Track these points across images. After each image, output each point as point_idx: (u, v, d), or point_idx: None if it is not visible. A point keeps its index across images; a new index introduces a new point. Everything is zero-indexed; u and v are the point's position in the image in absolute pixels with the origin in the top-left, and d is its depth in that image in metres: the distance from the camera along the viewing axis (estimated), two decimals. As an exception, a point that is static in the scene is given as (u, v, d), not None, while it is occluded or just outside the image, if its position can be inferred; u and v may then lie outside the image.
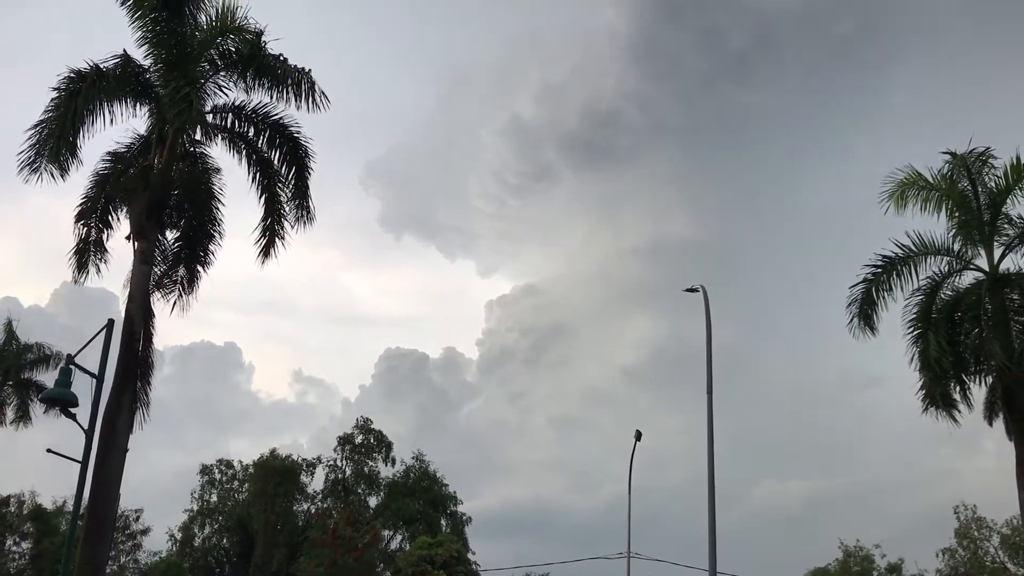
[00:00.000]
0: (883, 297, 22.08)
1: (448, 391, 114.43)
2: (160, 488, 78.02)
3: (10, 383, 40.48)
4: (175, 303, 20.86)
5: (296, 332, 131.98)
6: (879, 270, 22.10)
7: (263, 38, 18.82)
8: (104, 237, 20.39)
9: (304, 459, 61.76)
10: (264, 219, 20.61)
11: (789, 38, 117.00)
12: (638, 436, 36.12)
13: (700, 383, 21.77)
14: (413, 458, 62.03)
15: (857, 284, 22.29)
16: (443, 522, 58.60)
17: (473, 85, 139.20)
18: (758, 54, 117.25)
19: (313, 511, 58.95)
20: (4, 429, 39.99)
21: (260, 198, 20.68)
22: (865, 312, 22.12)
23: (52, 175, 18.52)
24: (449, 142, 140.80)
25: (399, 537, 58.86)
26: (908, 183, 22.42)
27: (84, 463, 14.60)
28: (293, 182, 20.71)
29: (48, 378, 40.03)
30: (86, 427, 14.79)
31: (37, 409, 39.97)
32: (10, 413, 40.27)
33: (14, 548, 54.87)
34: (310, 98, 19.38)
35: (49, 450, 14.78)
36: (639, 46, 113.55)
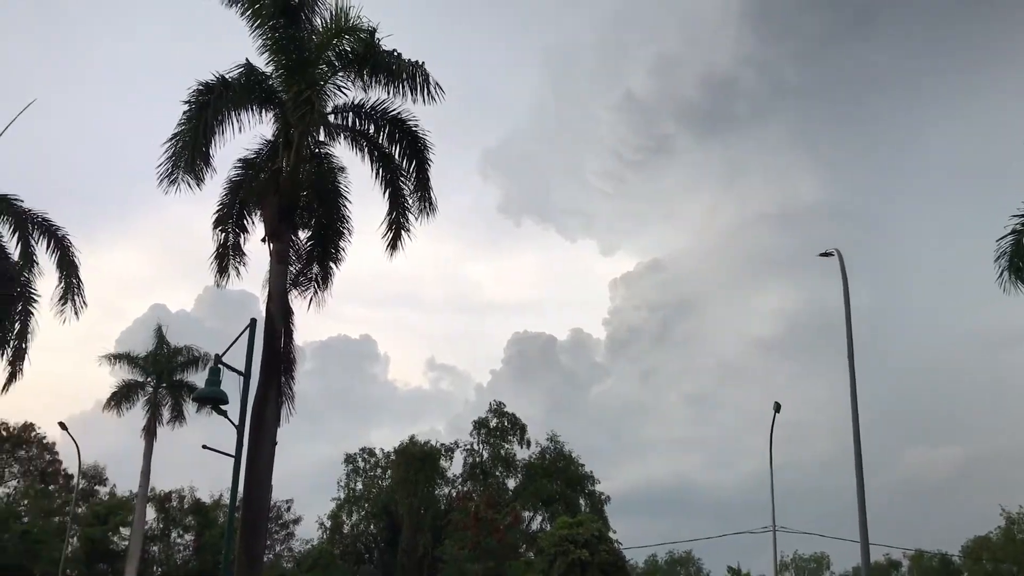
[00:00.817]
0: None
1: (577, 372, 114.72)
2: (308, 479, 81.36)
3: (164, 385, 42.86)
4: (311, 300, 21.52)
5: (426, 322, 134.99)
6: (1030, 219, 20.77)
7: (376, 35, 19.12)
8: (241, 241, 21.20)
9: (442, 444, 63.12)
10: (389, 213, 21.03)
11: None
12: (777, 408, 35.35)
13: (839, 351, 21.07)
14: (548, 439, 62.50)
15: (1006, 236, 21.01)
16: (582, 502, 58.83)
17: (583, 63, 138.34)
18: (879, 7, 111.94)
19: (454, 495, 60.20)
20: (162, 429, 42.42)
21: (384, 193, 21.09)
22: (1016, 265, 20.85)
23: (189, 185, 19.31)
24: (563, 123, 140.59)
25: (539, 518, 59.45)
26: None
27: (237, 457, 15.31)
28: (414, 175, 21.03)
29: (198, 379, 42.33)
30: (236, 423, 15.47)
31: (190, 408, 42.27)
32: (166, 413, 42.68)
33: (178, 540, 58.27)
34: (425, 90, 19.59)
35: (205, 446, 15.59)
36: (753, 8, 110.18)
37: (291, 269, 20.48)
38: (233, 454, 15.41)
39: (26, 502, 60.99)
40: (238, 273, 21.21)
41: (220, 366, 15.11)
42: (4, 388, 23.39)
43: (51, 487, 63.46)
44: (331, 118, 20.41)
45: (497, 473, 62.00)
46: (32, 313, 23.83)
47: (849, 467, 20.64)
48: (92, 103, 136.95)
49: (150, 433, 42.05)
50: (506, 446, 62.55)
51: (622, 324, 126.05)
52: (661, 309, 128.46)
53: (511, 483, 61.93)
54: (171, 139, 19.20)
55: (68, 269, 23.86)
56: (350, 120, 20.89)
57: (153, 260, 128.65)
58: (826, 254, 22.25)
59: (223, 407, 15.56)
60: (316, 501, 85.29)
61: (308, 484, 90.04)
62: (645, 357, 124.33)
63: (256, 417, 17.32)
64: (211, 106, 18.59)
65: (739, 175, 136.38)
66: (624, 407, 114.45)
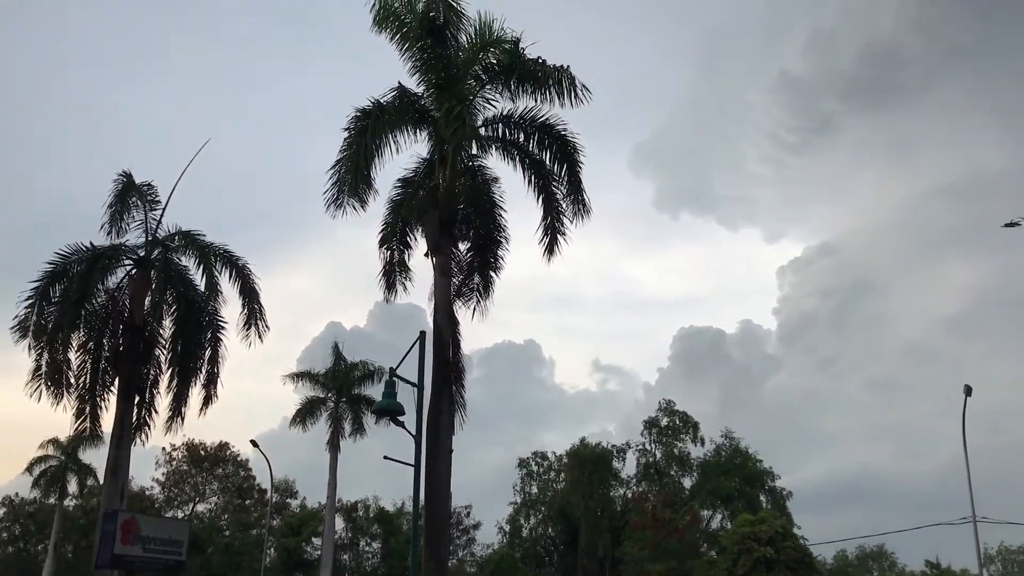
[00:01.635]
0: None
1: (750, 365, 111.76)
2: (484, 485, 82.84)
3: (344, 400, 44.76)
4: (475, 309, 22.01)
5: (588, 323, 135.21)
6: None
7: (520, 45, 19.40)
8: (406, 257, 21.93)
9: (614, 445, 63.01)
10: (544, 218, 21.21)
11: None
12: (968, 391, 33.24)
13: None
14: (722, 436, 61.29)
15: None
16: (762, 498, 57.29)
17: (734, 46, 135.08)
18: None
19: (630, 495, 59.92)
20: (344, 441, 44.32)
21: (538, 199, 21.29)
22: None
23: (354, 207, 20.12)
24: (716, 110, 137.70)
25: (719, 516, 58.33)
26: None
27: (416, 466, 15.82)
28: (566, 179, 21.12)
29: (375, 391, 44.05)
30: (413, 432, 16.01)
31: (370, 420, 43.98)
32: (348, 427, 44.58)
33: (366, 548, 60.66)
34: (572, 94, 19.63)
35: (386, 456, 16.19)
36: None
37: (454, 281, 20.98)
38: (412, 463, 15.93)
39: (226, 516, 65.21)
40: (405, 288, 21.97)
41: (395, 379, 15.68)
42: (201, 411, 25.18)
43: (247, 502, 67.58)
44: (482, 131, 20.78)
45: (672, 472, 61.29)
46: (220, 339, 25.59)
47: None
48: (258, 136, 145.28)
49: (334, 446, 44.03)
50: (679, 445, 61.77)
51: (794, 312, 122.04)
52: (835, 294, 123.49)
53: (687, 482, 61.09)
54: (334, 165, 20.04)
55: (250, 296, 25.38)
56: (500, 131, 21.21)
57: (326, 281, 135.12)
58: (1012, 224, 20.82)
59: (400, 418, 16.13)
60: (493, 506, 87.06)
61: (484, 490, 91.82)
62: (821, 345, 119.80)
63: (431, 426, 17.83)
64: (369, 130, 19.29)
65: (910, 148, 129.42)
66: (802, 398, 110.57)
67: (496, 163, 21.76)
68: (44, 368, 23.30)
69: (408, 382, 16.07)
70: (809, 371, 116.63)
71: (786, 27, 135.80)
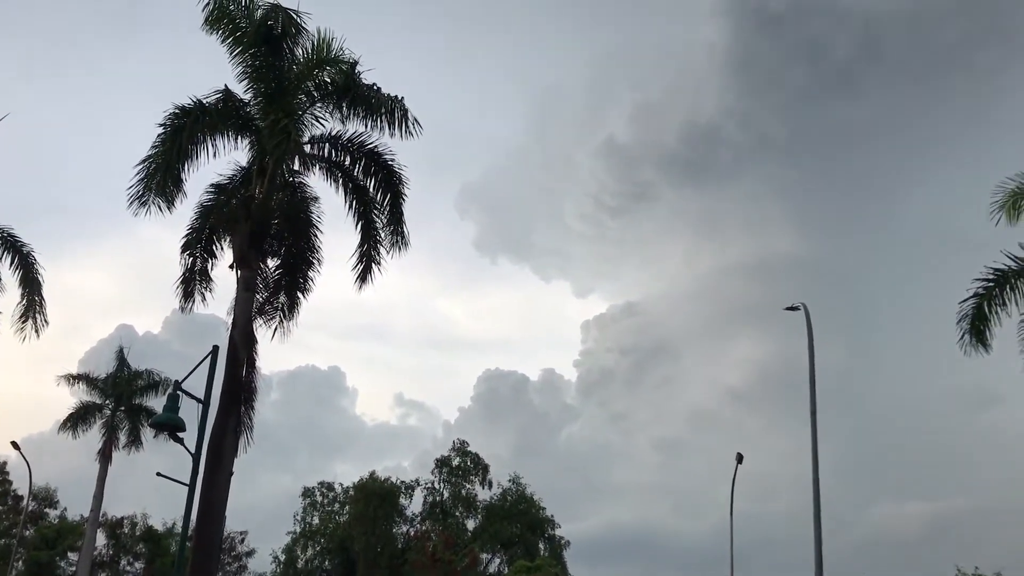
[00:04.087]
0: (996, 312, 21.01)
1: (548, 413, 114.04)
2: (266, 511, 79.83)
3: (122, 409, 42.12)
4: (276, 329, 21.29)
5: (395, 356, 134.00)
6: (991, 283, 21.06)
7: (357, 68, 19.22)
8: (209, 266, 21.03)
9: (403, 481, 62.50)
10: (361, 245, 20.99)
11: (894, 47, 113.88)
12: (739, 459, 35.38)
13: (807, 403, 21.15)
14: (510, 481, 62.11)
15: (967, 299, 21.26)
16: (541, 546, 58.42)
17: (566, 106, 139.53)
18: (862, 64, 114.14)
19: (412, 533, 59.49)
20: (117, 453, 41.63)
21: (356, 225, 21.06)
22: (977, 328, 21.08)
23: (160, 208, 19.23)
24: (544, 164, 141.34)
25: (497, 560, 58.94)
26: (1020, 193, 21.39)
27: (192, 486, 15.03)
28: (388, 208, 21.02)
29: (157, 403, 41.58)
30: (193, 451, 15.21)
31: (147, 434, 41.55)
32: (123, 438, 41.92)
33: (128, 568, 57.05)
34: (403, 125, 19.61)
35: (159, 473, 15.28)
36: (738, 60, 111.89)
37: (258, 297, 20.22)
38: (187, 483, 15.11)
39: (-28, 523, 59.51)
40: (203, 299, 21.07)
41: (179, 393, 14.86)
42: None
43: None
44: (307, 148, 20.30)
45: (457, 513, 61.43)
46: (-7, 331, 23.50)
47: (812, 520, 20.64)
48: (69, 120, 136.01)
49: (105, 457, 41.26)
50: (467, 486, 62.08)
51: (594, 366, 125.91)
52: (633, 352, 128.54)
53: (471, 524, 61.37)
54: (144, 161, 19.11)
55: (31, 287, 23.57)
56: (326, 151, 20.84)
57: (122, 281, 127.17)
58: (792, 308, 22.43)
59: (180, 435, 15.28)
60: (272, 534, 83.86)
61: (266, 517, 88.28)
62: (616, 400, 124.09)
63: (213, 446, 17.03)
64: (187, 129, 18.52)
65: (718, 223, 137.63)
66: (593, 450, 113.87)
67: (318, 183, 21.36)
68: None
69: (193, 397, 15.27)
70: (603, 424, 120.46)
71: (616, 92, 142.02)
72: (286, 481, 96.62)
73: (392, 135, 19.91)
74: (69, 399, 43.75)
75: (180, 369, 47.33)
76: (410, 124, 19.65)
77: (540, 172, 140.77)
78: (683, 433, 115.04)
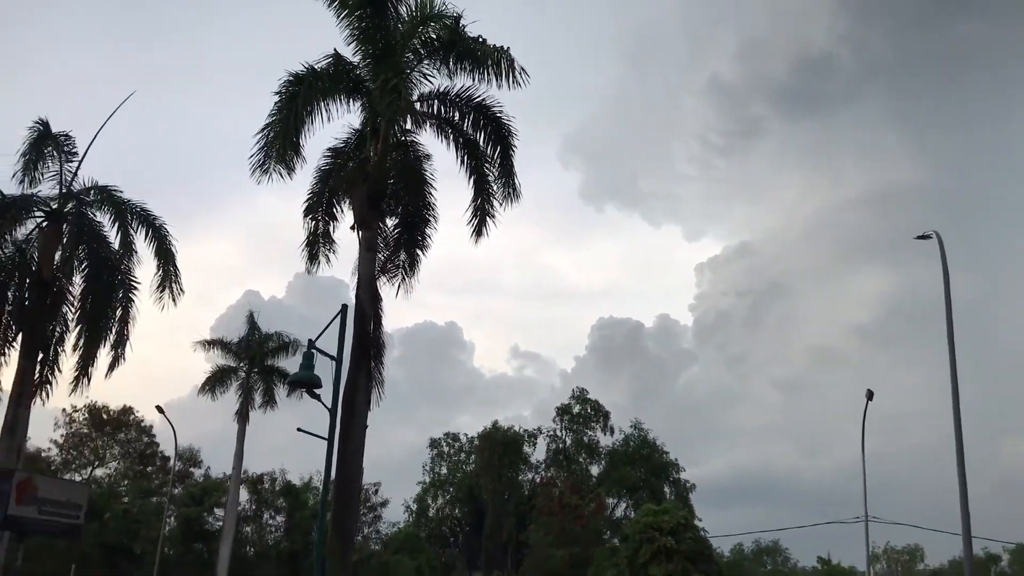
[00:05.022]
0: None
1: (664, 358, 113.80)
2: (395, 463, 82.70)
3: (256, 370, 43.96)
4: (399, 286, 21.85)
5: (508, 309, 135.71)
6: None
7: (461, 22, 19.20)
8: (331, 229, 21.60)
9: (526, 430, 63.42)
10: (474, 199, 21.10)
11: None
12: (869, 396, 34.53)
13: (938, 338, 20.36)
14: (631, 427, 62.28)
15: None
16: (666, 489, 58.49)
17: (665, 46, 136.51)
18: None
19: (538, 480, 60.46)
20: (254, 413, 43.55)
21: (469, 180, 21.17)
22: None
23: (280, 174, 19.68)
24: (646, 107, 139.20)
25: (623, 505, 59.37)
26: None
27: (330, 440, 15.62)
28: (499, 161, 21.04)
29: (288, 364, 43.43)
30: (329, 406, 15.80)
31: (281, 393, 43.38)
32: (258, 398, 43.81)
33: (270, 521, 59.86)
34: (510, 76, 19.48)
35: (300, 429, 15.92)
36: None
37: (379, 256, 20.74)
38: (326, 437, 15.73)
39: (126, 483, 63.52)
40: (328, 260, 21.64)
41: (313, 351, 15.42)
42: (107, 373, 24.39)
43: (149, 469, 65.93)
44: (417, 106, 20.52)
45: (580, 460, 62.07)
46: (132, 300, 24.80)
47: (946, 458, 19.98)
48: (188, 96, 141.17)
49: (243, 417, 43.20)
50: (589, 433, 62.59)
51: (709, 309, 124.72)
52: (749, 294, 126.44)
53: (594, 470, 61.96)
54: (263, 130, 19.52)
55: (166, 257, 24.65)
56: (435, 108, 20.99)
57: (246, 249, 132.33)
58: (923, 236, 21.47)
59: (316, 391, 15.88)
60: (402, 485, 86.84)
61: (396, 468, 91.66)
62: (733, 342, 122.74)
63: (347, 401, 17.61)
64: (301, 96, 18.86)
65: (831, 157, 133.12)
66: (712, 393, 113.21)
67: (429, 140, 21.60)
68: (-62, 319, 22.27)
69: (327, 355, 15.83)
70: (721, 367, 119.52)
71: (717, 33, 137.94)
72: (411, 434, 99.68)
73: (499, 87, 19.86)
74: (204, 364, 46.02)
75: (306, 331, 49.14)
76: (517, 74, 19.53)
77: (643, 116, 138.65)
78: (804, 373, 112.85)
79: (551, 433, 63.33)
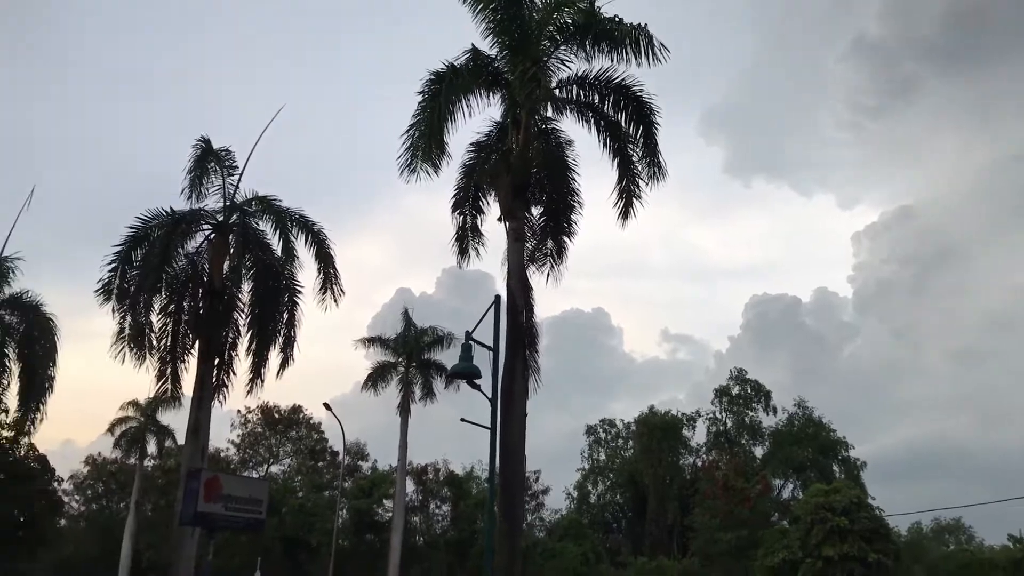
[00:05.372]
0: None
1: (824, 333, 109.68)
2: (551, 451, 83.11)
3: (414, 365, 45.19)
4: (548, 274, 21.93)
5: (655, 291, 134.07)
6: None
7: (596, 4, 19.05)
8: (478, 222, 21.91)
9: (684, 414, 62.60)
10: (619, 181, 20.91)
11: None
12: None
13: None
14: (795, 405, 60.44)
15: None
16: (835, 468, 56.45)
17: (807, 10, 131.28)
18: None
19: (699, 464, 59.58)
20: (414, 406, 44.78)
21: (613, 162, 21.00)
22: None
23: (427, 173, 20.08)
24: (789, 74, 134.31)
25: (790, 486, 57.71)
26: None
27: (493, 429, 15.83)
28: (642, 141, 20.79)
29: (444, 357, 44.53)
30: (489, 396, 16.02)
31: (439, 385, 44.47)
32: (417, 391, 45.01)
33: (436, 511, 61.45)
34: (649, 53, 19.20)
35: (463, 419, 16.24)
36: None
37: (527, 245, 20.84)
38: (488, 426, 15.97)
39: (299, 478, 66.65)
40: (478, 253, 21.98)
41: (471, 342, 15.66)
42: (278, 374, 25.60)
43: (319, 464, 68.93)
44: (556, 93, 20.54)
45: (743, 441, 60.77)
46: (297, 303, 25.97)
47: None
48: (327, 104, 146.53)
49: (404, 410, 44.54)
50: (750, 414, 61.16)
51: (870, 279, 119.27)
52: (914, 261, 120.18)
53: (758, 451, 60.51)
54: (408, 130, 19.96)
55: (325, 261, 25.68)
56: (575, 93, 20.92)
57: (394, 248, 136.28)
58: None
59: (476, 381, 16.12)
60: (560, 472, 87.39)
61: (551, 456, 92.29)
62: (899, 313, 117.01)
63: (506, 391, 17.80)
64: (443, 94, 19.16)
65: (993, 112, 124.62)
66: (878, 367, 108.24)
67: (570, 125, 21.57)
68: (127, 331, 23.87)
69: (484, 346, 16.04)
70: (886, 339, 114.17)
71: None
72: (565, 421, 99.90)
73: (639, 65, 19.60)
74: (363, 362, 47.55)
75: (457, 324, 50.18)
76: (656, 51, 19.21)
77: (786, 83, 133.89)
78: (979, 340, 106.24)
79: (710, 415, 62.31)
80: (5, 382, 29.50)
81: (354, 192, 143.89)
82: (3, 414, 27.12)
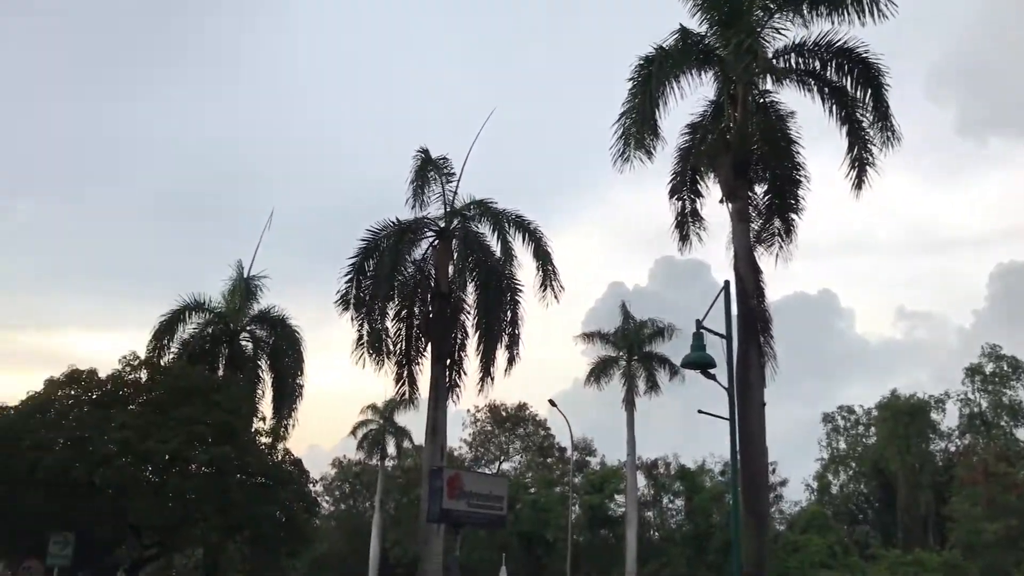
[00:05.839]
0: None
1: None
2: (785, 440, 79.85)
3: (635, 358, 44.77)
4: (777, 254, 21.03)
5: (886, 267, 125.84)
6: None
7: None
8: (698, 206, 21.28)
9: (931, 396, 58.30)
10: (850, 150, 19.66)
11: None
12: None
13: None
14: (1065, 380, 54.84)
15: None
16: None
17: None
18: None
19: (952, 449, 55.34)
20: (639, 399, 44.35)
21: (841, 130, 19.81)
22: None
23: (641, 160, 19.70)
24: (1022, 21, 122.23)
25: (1062, 470, 52.30)
26: None
27: (732, 419, 15.18)
28: (871, 105, 19.44)
29: (665, 349, 43.96)
30: (726, 386, 15.36)
31: (663, 378, 43.87)
32: (641, 385, 44.54)
33: (669, 506, 60.66)
34: (873, 9, 17.89)
35: (700, 411, 15.65)
36: None
37: (752, 226, 20.03)
38: (726, 417, 15.32)
39: (530, 474, 67.81)
40: (700, 239, 21.38)
41: (702, 331, 15.07)
42: (506, 371, 26.03)
43: (548, 460, 69.82)
44: (774, 63, 19.50)
45: (1002, 423, 55.74)
46: (519, 302, 26.29)
47: None
48: (524, 101, 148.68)
49: (629, 404, 44.23)
50: (1009, 393, 55.98)
51: None
52: None
53: (1020, 433, 55.27)
54: (619, 119, 19.69)
55: (544, 258, 25.86)
56: (793, 61, 19.83)
57: (603, 243, 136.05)
58: None
59: (711, 371, 15.49)
60: (795, 463, 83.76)
61: (786, 446, 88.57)
62: None
63: (740, 379, 17.03)
64: (654, 77, 18.70)
65: None
66: None
67: (790, 96, 20.50)
68: (365, 337, 25.08)
69: (715, 333, 15.37)
70: None
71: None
72: (796, 409, 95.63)
73: (862, 24, 18.26)
74: (580, 358, 47.49)
75: (672, 314, 49.14)
76: (881, 5, 17.85)
77: (1018, 31, 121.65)
78: None
79: (961, 397, 57.60)
80: (260, 392, 31.82)
81: (558, 189, 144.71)
82: (261, 422, 29.21)
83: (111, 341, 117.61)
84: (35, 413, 25.26)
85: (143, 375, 27.40)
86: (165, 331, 31.48)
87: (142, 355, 28.65)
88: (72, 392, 26.57)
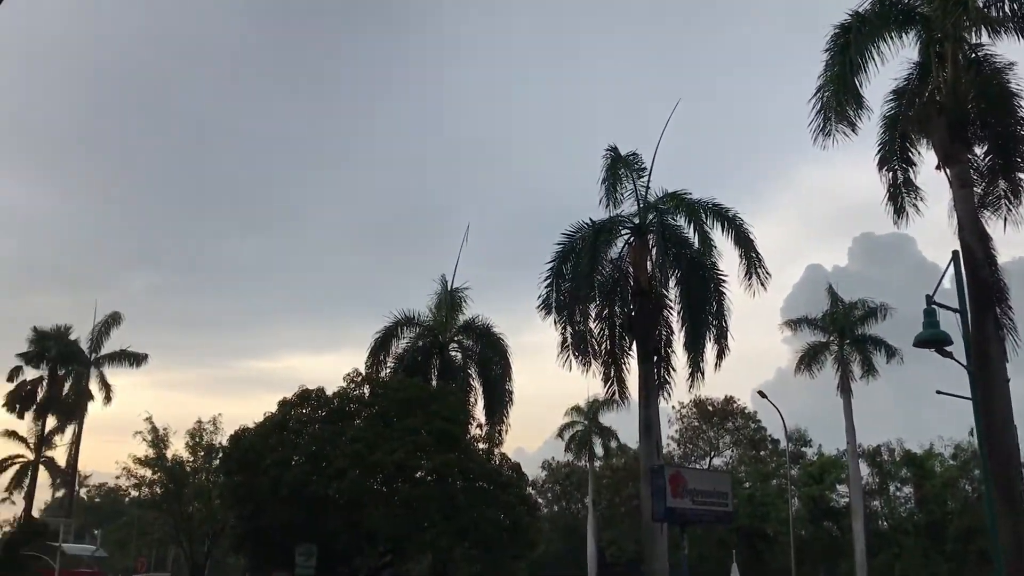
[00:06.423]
0: None
1: None
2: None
3: (847, 342, 42.62)
4: (1005, 218, 19.46)
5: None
6: None
7: None
8: (911, 175, 20.07)
9: None
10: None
11: None
12: None
13: None
14: None
15: None
16: None
17: None
18: None
19: None
20: (854, 384, 42.15)
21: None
22: None
23: (844, 134, 18.90)
24: None
25: None
26: None
27: (975, 399, 14.17)
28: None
29: (878, 330, 41.76)
30: (965, 364, 14.36)
31: (880, 361, 41.56)
32: (856, 369, 42.36)
33: (897, 494, 57.33)
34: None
35: (939, 391, 14.74)
36: None
37: (975, 190, 18.65)
38: (968, 397, 14.31)
39: (743, 468, 66.00)
40: (917, 210, 20.18)
41: (933, 307, 14.13)
42: (716, 365, 25.31)
43: (761, 453, 67.74)
44: (986, 12, 18.09)
45: None
46: (724, 293, 25.59)
47: None
48: (704, 89, 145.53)
49: (845, 390, 42.15)
50: None
51: None
52: None
53: None
54: (816, 92, 19.03)
55: (746, 245, 25.05)
56: (1007, 8, 18.27)
57: (795, 226, 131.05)
58: None
59: (947, 348, 14.53)
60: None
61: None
62: None
63: (979, 355, 15.88)
64: (853, 43, 17.87)
65: None
66: None
67: (1004, 47, 18.94)
68: (570, 339, 25.21)
69: (948, 308, 14.39)
70: None
71: None
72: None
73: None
74: (780, 347, 45.81)
75: (878, 293, 46.29)
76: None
77: None
78: None
79: None
80: (472, 399, 32.73)
81: (742, 174, 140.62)
82: (477, 428, 30.06)
83: (323, 363, 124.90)
84: (273, 432, 27.08)
85: (366, 390, 28.87)
86: (380, 347, 33.12)
87: (363, 372, 30.30)
88: (304, 410, 28.35)
